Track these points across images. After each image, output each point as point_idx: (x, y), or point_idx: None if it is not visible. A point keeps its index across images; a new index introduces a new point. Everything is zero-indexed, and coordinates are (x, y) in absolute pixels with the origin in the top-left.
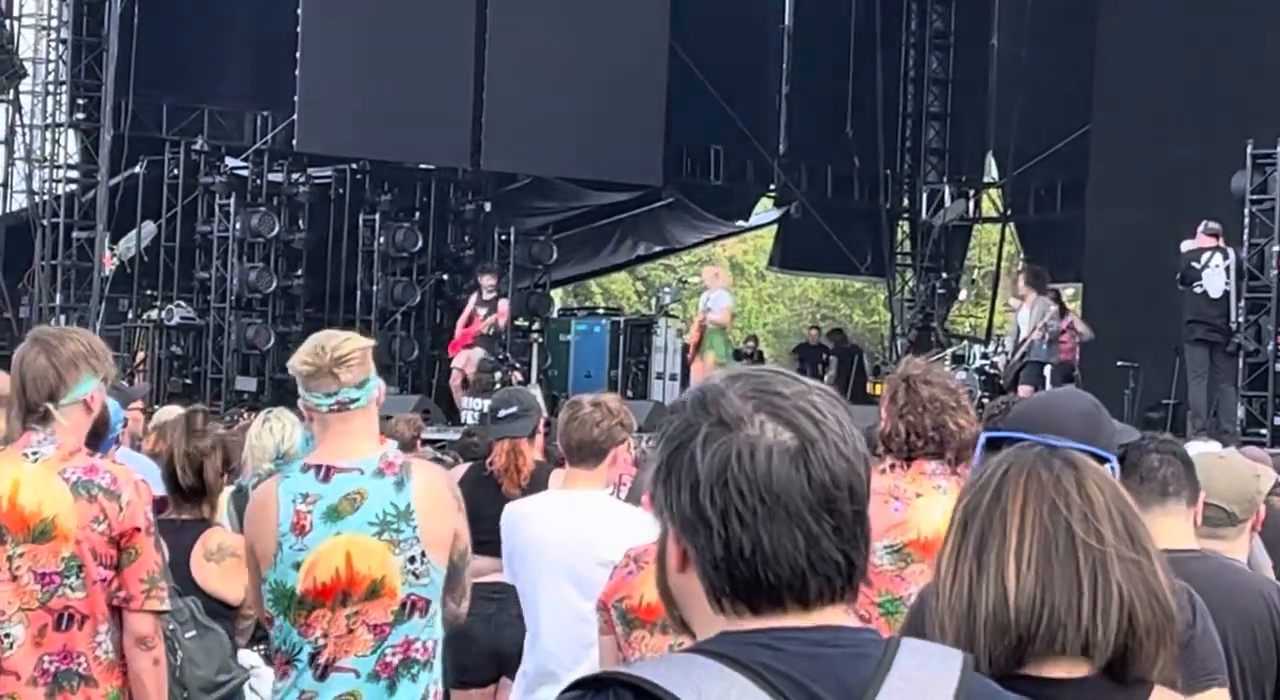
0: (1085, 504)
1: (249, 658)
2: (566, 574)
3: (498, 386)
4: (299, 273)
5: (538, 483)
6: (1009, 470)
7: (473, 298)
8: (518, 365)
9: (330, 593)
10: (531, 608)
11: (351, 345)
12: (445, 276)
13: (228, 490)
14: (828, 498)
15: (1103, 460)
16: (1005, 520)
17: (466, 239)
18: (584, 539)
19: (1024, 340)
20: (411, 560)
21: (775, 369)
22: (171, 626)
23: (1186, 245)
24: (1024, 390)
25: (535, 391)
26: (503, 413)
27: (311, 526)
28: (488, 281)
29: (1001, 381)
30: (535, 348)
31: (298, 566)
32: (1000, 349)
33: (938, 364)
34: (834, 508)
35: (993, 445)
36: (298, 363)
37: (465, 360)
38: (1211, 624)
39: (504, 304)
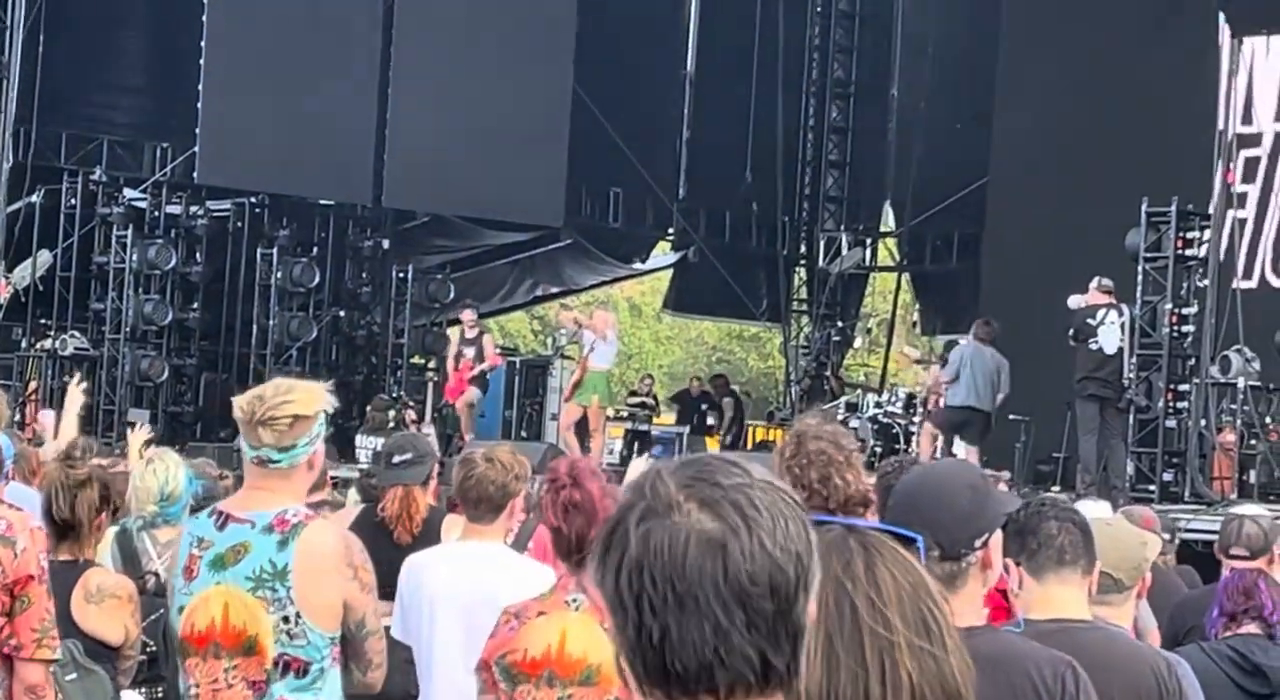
0: (873, 589)
1: (131, 699)
2: (464, 628)
3: (391, 425)
4: (195, 306)
5: (430, 529)
6: None
7: (455, 337)
8: (411, 404)
9: (204, 641)
10: (425, 662)
11: (287, 410)
12: (342, 312)
13: (111, 530)
14: (743, 592)
15: (910, 541)
16: None
17: (364, 276)
18: (484, 592)
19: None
20: (285, 620)
21: (731, 459)
22: (52, 669)
23: (1075, 301)
24: (927, 431)
25: (430, 432)
26: (396, 459)
27: (198, 573)
28: (468, 316)
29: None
30: (430, 386)
31: (181, 610)
32: (894, 398)
33: (832, 421)
34: (749, 603)
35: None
36: (235, 406)
37: (464, 403)
38: (1095, 697)
39: (488, 340)
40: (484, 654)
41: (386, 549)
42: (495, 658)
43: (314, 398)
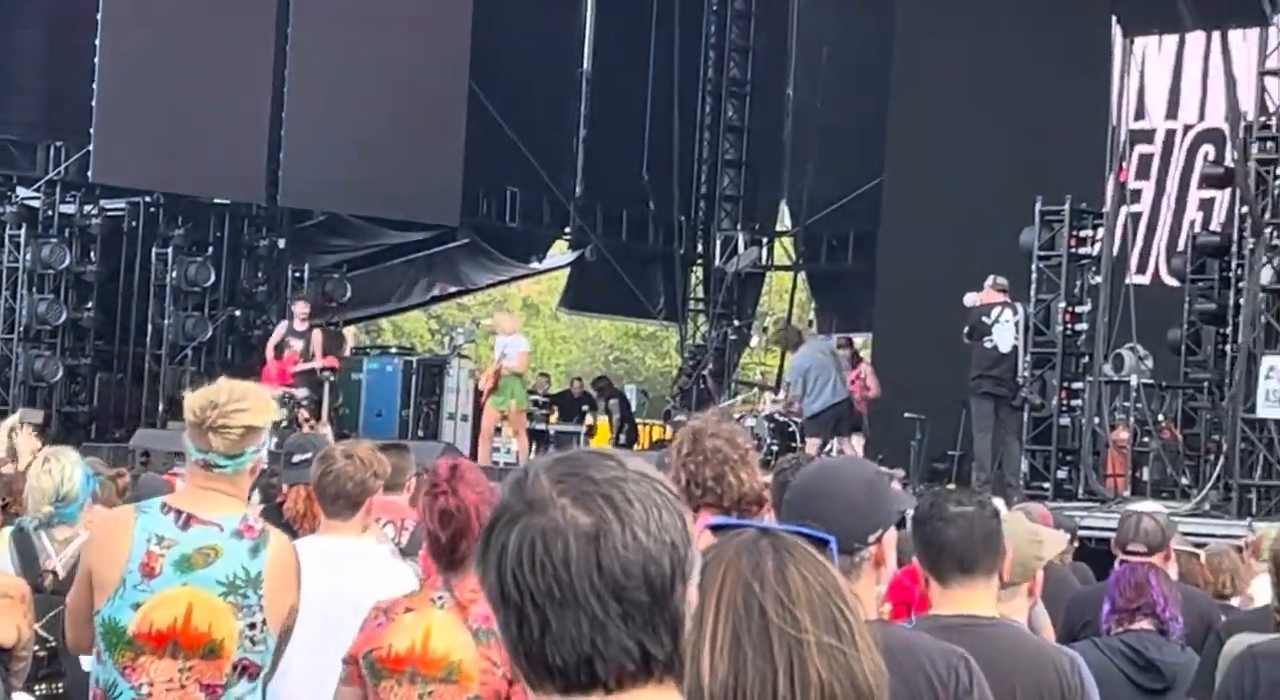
0: (781, 588)
1: None
2: (320, 622)
3: (284, 425)
4: (89, 305)
5: None
6: (713, 558)
7: (282, 326)
8: (304, 403)
9: (163, 640)
10: (285, 658)
11: (239, 420)
12: (238, 312)
13: (6, 530)
14: (617, 584)
15: (823, 543)
16: (703, 609)
17: (260, 275)
18: (339, 587)
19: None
20: (251, 626)
21: (607, 452)
22: None
23: (970, 299)
24: (811, 443)
25: (326, 431)
26: (296, 458)
27: (161, 571)
28: (301, 310)
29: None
30: (326, 386)
31: (136, 607)
32: (789, 396)
33: (728, 419)
34: (624, 595)
35: (715, 530)
36: (187, 407)
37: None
38: (988, 691)
39: (318, 336)
40: (353, 647)
41: None
42: (363, 652)
43: (266, 408)
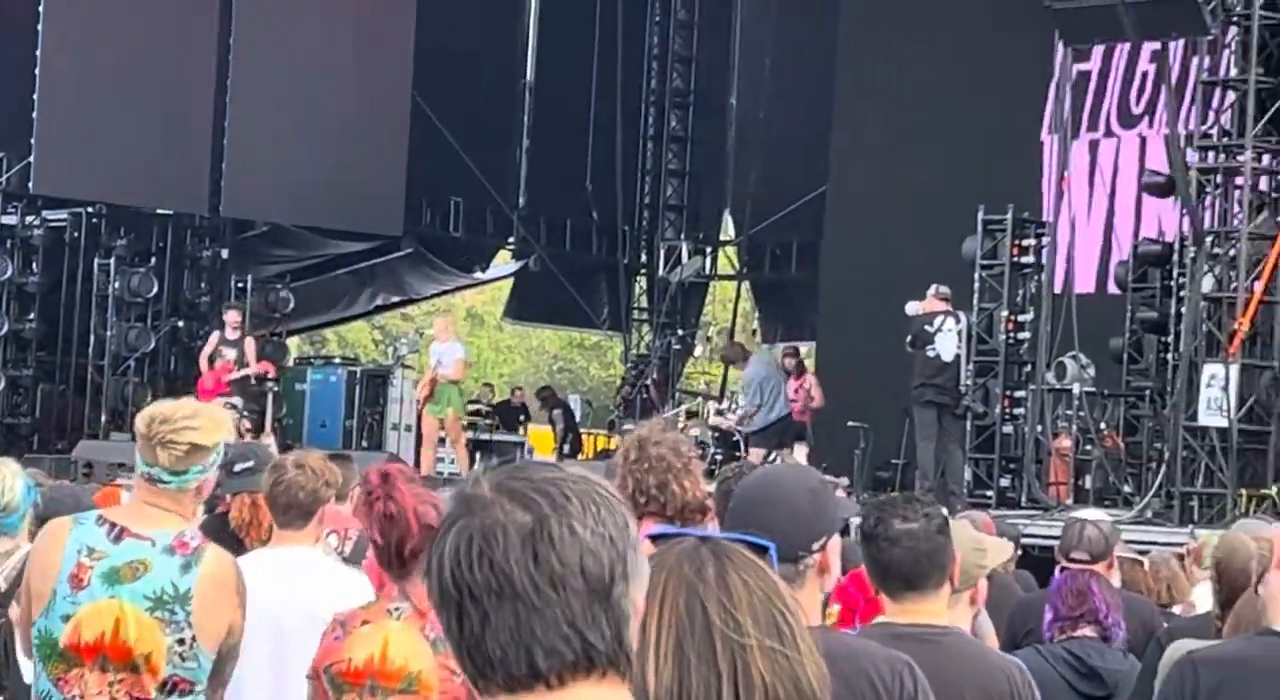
0: (724, 594)
1: None
2: (273, 634)
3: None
4: (31, 316)
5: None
6: (656, 566)
7: (215, 336)
8: (246, 414)
9: (92, 653)
10: (239, 671)
11: (187, 437)
12: (181, 323)
13: None
14: (555, 576)
15: (763, 550)
16: (646, 616)
17: (203, 286)
18: (292, 598)
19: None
20: (180, 642)
21: (549, 462)
22: None
23: (913, 307)
24: (755, 454)
25: (270, 442)
26: (238, 467)
27: (89, 582)
28: (233, 319)
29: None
30: (270, 396)
31: (66, 619)
32: (734, 406)
33: (673, 428)
34: (563, 586)
35: (656, 539)
36: (138, 419)
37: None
38: (933, 697)
39: (250, 344)
40: (314, 662)
41: (237, 556)
42: (323, 666)
43: (216, 428)
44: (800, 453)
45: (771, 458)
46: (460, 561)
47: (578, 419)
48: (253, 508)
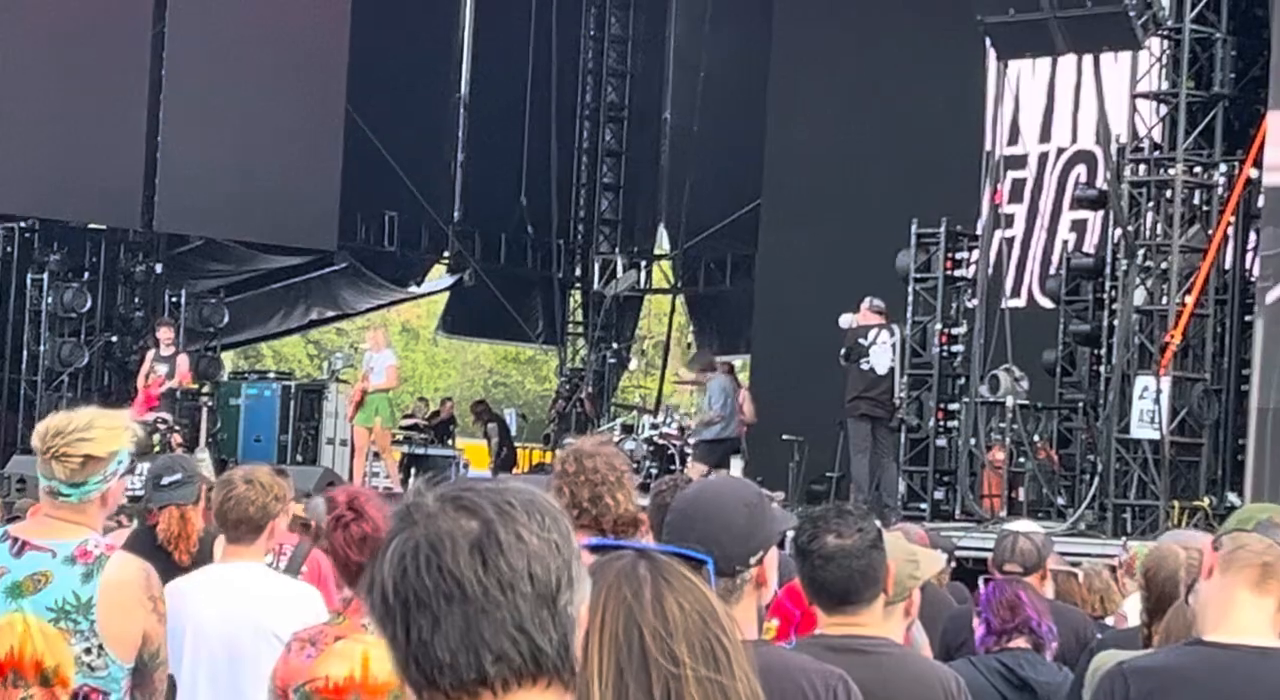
0: (659, 621)
1: None
2: (226, 651)
3: (157, 449)
4: None
5: (205, 550)
6: (593, 584)
7: (150, 353)
8: (178, 428)
9: (3, 670)
10: (188, 686)
11: (80, 449)
12: (114, 338)
13: None
14: (502, 580)
15: (699, 563)
16: (588, 638)
17: (137, 300)
18: (245, 614)
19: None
20: (88, 651)
21: (487, 477)
22: None
23: (846, 321)
24: (695, 469)
25: (204, 456)
26: (165, 480)
27: None
28: (165, 335)
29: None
30: (205, 411)
31: None
32: (669, 420)
33: (608, 442)
34: (511, 589)
35: (594, 550)
36: (35, 432)
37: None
38: None
39: (183, 360)
40: (279, 681)
41: (166, 570)
42: (294, 685)
43: (112, 437)
44: (735, 467)
45: (708, 475)
46: (407, 569)
47: (513, 433)
48: (181, 521)
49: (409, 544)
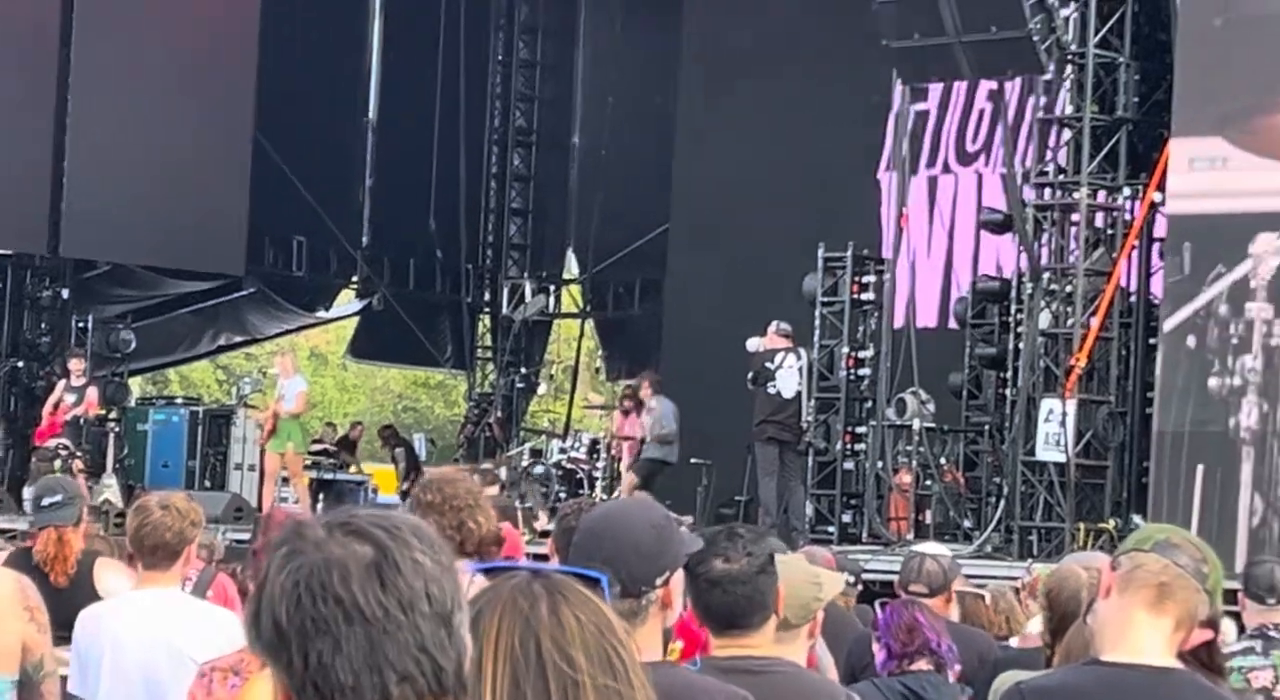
0: (557, 629)
1: None
2: (143, 678)
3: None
4: None
5: (83, 573)
6: (487, 601)
7: (61, 384)
8: (79, 454)
9: None
10: None
11: None
12: (20, 364)
13: None
14: (402, 600)
15: (594, 582)
16: (482, 652)
17: (43, 326)
18: (163, 641)
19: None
20: None
21: (367, 507)
22: None
23: (753, 344)
24: (629, 478)
25: (111, 482)
26: (46, 501)
27: None
28: (76, 365)
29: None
30: (112, 437)
31: None
32: (578, 444)
33: (459, 469)
34: (410, 609)
35: (487, 573)
36: None
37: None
38: None
39: (92, 391)
40: None
41: (43, 591)
42: None
43: None
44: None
45: (634, 491)
46: (302, 596)
47: (422, 457)
48: (59, 543)
49: (301, 571)
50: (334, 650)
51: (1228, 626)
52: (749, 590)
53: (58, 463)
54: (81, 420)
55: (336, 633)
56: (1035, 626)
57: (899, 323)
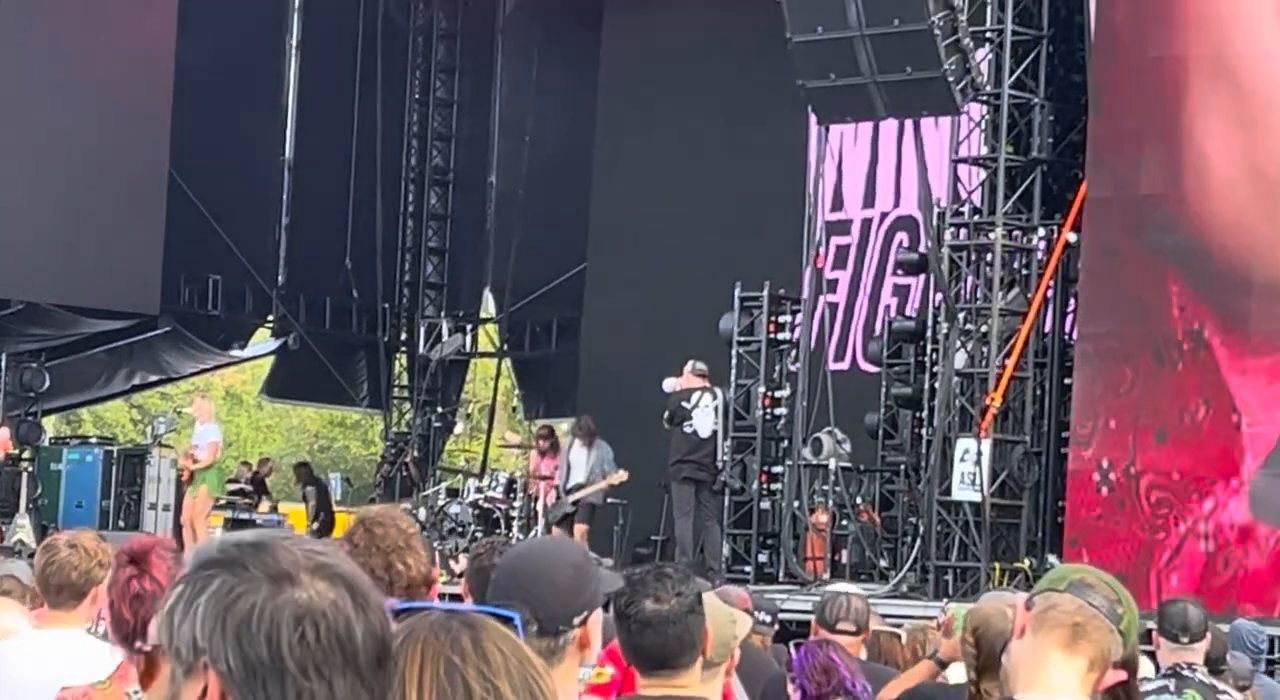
0: (481, 661)
1: None
2: None
3: None
4: None
5: None
6: (406, 638)
7: None
8: None
9: None
10: None
11: None
12: None
13: None
14: (382, 652)
15: (507, 620)
16: (405, 687)
17: None
18: (64, 682)
19: (581, 483)
20: None
21: (277, 532)
22: None
23: (670, 383)
24: (580, 529)
25: (24, 522)
26: None
27: None
28: None
29: (548, 516)
30: (25, 476)
31: None
32: (494, 483)
33: (392, 507)
34: (383, 655)
35: (398, 614)
36: None
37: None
38: None
39: (3, 431)
40: None
41: None
42: None
43: None
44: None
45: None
46: (306, 634)
47: (337, 497)
48: None
49: (301, 609)
50: (329, 693)
51: (1146, 666)
52: (679, 630)
53: None
54: None
55: (329, 676)
56: (951, 666)
57: (815, 362)
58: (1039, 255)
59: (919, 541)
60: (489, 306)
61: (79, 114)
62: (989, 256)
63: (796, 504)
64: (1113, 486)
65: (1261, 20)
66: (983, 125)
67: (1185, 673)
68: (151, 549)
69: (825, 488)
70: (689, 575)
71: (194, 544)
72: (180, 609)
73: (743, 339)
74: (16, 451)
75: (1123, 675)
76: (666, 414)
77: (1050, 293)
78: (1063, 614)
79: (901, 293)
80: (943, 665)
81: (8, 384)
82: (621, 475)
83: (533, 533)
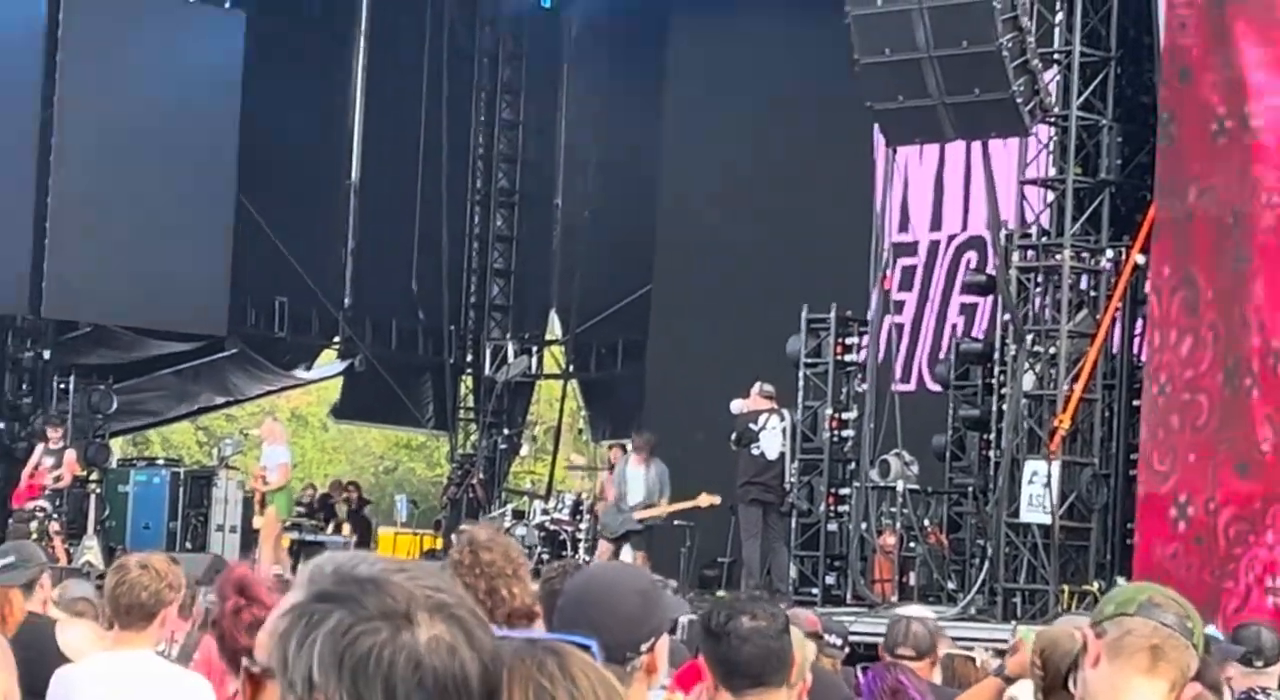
0: (569, 683)
1: None
2: None
3: (34, 537)
4: None
5: (34, 638)
6: None
7: (39, 448)
8: (55, 516)
9: None
10: None
11: None
12: (2, 425)
13: None
14: (491, 690)
15: (584, 648)
16: None
17: (24, 387)
18: None
19: (651, 502)
20: None
21: (391, 562)
22: None
23: (737, 406)
24: (639, 556)
25: (92, 543)
26: None
27: None
28: (54, 433)
29: (605, 532)
30: (93, 498)
31: None
32: (560, 505)
33: (500, 532)
34: (494, 695)
35: None
36: None
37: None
38: None
39: (70, 453)
40: None
41: None
42: None
43: None
44: (635, 556)
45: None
46: (424, 680)
47: (403, 519)
48: (6, 602)
49: (418, 654)
50: None
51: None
52: (777, 646)
53: (34, 525)
54: (55, 481)
55: None
56: (1020, 689)
57: (882, 384)
58: (1107, 276)
59: (987, 564)
60: (554, 328)
61: (147, 138)
62: (1057, 278)
63: (864, 526)
64: (1189, 521)
65: None
66: (1050, 147)
67: (1259, 697)
68: (246, 579)
69: (893, 510)
70: (776, 600)
71: (303, 564)
72: (296, 638)
73: (810, 360)
74: (84, 473)
75: (1198, 688)
76: (734, 436)
77: (1118, 314)
78: (1140, 639)
79: (968, 314)
80: (1009, 681)
81: (76, 406)
82: (714, 499)
83: (597, 553)
